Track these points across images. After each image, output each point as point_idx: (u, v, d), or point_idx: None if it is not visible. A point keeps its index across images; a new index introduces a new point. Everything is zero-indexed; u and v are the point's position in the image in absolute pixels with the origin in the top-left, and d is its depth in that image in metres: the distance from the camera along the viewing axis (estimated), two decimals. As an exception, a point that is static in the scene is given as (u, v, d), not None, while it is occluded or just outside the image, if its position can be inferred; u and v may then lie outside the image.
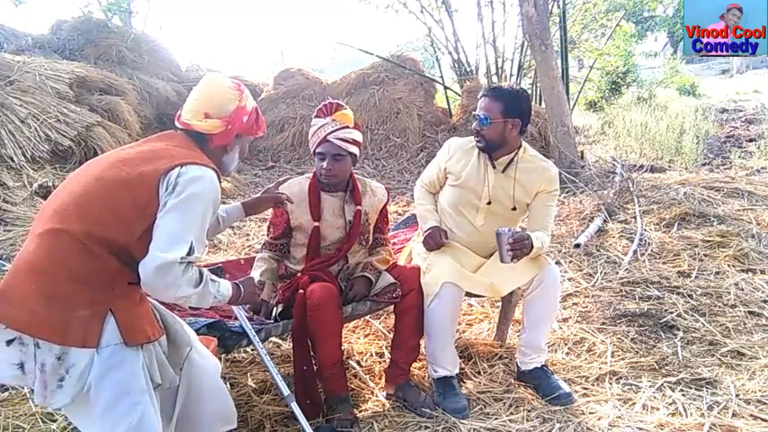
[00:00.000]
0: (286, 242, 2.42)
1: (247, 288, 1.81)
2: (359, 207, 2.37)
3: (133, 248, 1.48)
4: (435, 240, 2.43)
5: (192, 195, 1.48)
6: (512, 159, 2.43)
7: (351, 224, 2.36)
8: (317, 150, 2.29)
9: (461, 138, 2.58)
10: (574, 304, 3.20)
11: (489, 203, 2.43)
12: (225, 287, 1.68)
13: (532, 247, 2.25)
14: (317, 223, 2.33)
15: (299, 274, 2.32)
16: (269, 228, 2.47)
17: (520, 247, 2.21)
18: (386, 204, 2.51)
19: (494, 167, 2.43)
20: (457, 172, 2.47)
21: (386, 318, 3.05)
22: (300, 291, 2.17)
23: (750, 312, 2.98)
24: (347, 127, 2.28)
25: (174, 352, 1.70)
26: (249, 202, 2.17)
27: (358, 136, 2.32)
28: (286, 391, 2.00)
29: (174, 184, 1.48)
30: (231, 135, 1.69)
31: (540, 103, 7.07)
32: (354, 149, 2.30)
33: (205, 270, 1.58)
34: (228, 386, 1.91)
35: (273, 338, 2.66)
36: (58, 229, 1.44)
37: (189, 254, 1.47)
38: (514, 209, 2.46)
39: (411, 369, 2.47)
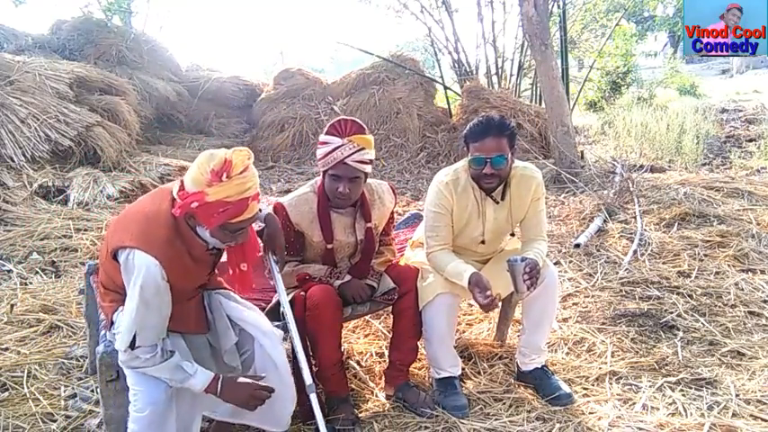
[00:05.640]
0: (303, 255, 2.36)
1: (233, 390, 1.77)
2: (369, 224, 2.31)
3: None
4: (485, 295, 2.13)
5: (136, 287, 1.61)
6: (506, 184, 2.31)
7: (362, 242, 2.32)
8: (332, 173, 2.16)
9: (447, 174, 2.34)
10: (574, 304, 3.20)
11: (483, 242, 2.40)
12: (198, 380, 1.73)
13: None
14: (330, 245, 2.27)
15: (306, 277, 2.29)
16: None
17: (536, 275, 2.12)
18: (393, 209, 2.44)
19: (494, 201, 2.33)
20: (458, 219, 2.33)
21: (386, 318, 3.05)
22: (301, 293, 2.17)
23: (750, 312, 2.98)
24: (364, 148, 2.13)
25: (216, 346, 1.93)
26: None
27: (373, 154, 2.19)
28: (309, 379, 1.96)
29: (125, 268, 1.65)
30: (181, 209, 1.63)
31: (540, 103, 7.07)
32: (369, 169, 2.18)
33: (174, 356, 1.72)
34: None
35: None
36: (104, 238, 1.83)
37: (132, 346, 1.64)
38: (512, 234, 2.47)
39: (410, 369, 2.47)
